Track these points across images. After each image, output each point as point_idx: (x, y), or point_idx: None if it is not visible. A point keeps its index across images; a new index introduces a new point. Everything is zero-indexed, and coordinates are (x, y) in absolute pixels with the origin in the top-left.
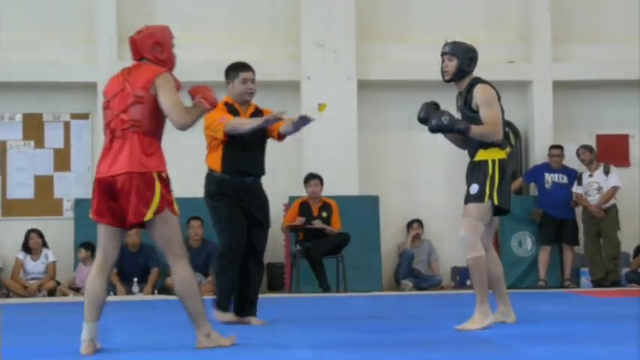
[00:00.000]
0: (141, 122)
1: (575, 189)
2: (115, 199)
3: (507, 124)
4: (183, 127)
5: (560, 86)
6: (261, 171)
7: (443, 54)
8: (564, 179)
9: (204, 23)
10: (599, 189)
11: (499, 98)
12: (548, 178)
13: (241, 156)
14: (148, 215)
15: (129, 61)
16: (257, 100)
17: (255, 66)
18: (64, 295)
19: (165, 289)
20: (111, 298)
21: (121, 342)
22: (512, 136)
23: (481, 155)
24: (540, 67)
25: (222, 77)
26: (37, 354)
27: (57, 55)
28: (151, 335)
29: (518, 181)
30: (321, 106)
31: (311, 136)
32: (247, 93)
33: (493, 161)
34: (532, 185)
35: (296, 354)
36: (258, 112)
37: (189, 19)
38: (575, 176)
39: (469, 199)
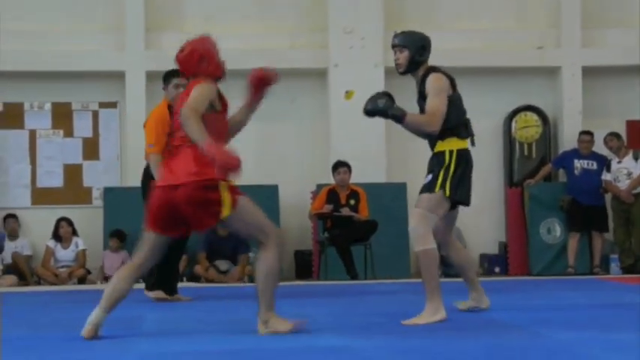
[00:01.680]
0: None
1: (605, 176)
2: (177, 210)
3: (535, 109)
4: (184, 125)
5: (589, 72)
6: None
7: (393, 46)
8: (594, 165)
9: (232, 12)
10: (629, 174)
11: (454, 87)
12: (578, 164)
13: None
14: (225, 213)
15: (157, 50)
16: (286, 88)
17: (283, 53)
18: (93, 283)
19: (194, 277)
20: (139, 285)
21: (150, 329)
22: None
23: (439, 146)
24: (570, 52)
25: (250, 65)
26: (71, 339)
27: (85, 44)
28: (179, 321)
29: (547, 168)
30: (348, 94)
31: (339, 124)
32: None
33: (451, 152)
34: (561, 172)
35: (324, 341)
36: None
37: (217, 8)
38: (604, 162)
39: (421, 189)
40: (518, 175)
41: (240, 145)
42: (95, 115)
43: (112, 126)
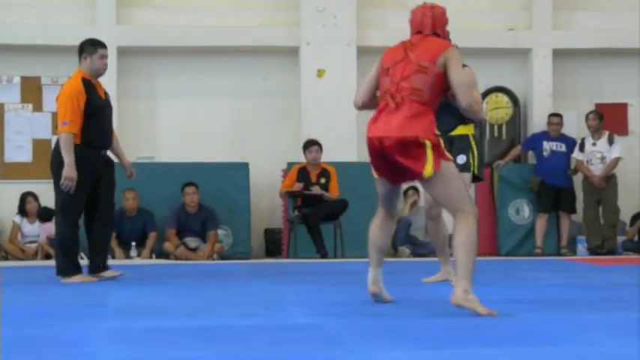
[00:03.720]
0: (421, 91)
1: (577, 155)
2: (386, 160)
3: (505, 91)
4: (467, 107)
5: (560, 54)
6: (110, 144)
7: None
8: (562, 147)
9: None
10: (602, 159)
11: None
12: (547, 146)
13: (97, 130)
14: (427, 172)
15: (128, 25)
16: (257, 65)
17: (255, 31)
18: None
19: (163, 254)
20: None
21: (116, 305)
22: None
23: (461, 130)
24: (541, 34)
25: (221, 43)
26: (37, 314)
27: (56, 17)
28: (146, 298)
29: (516, 150)
30: (319, 72)
31: (310, 103)
32: (103, 68)
33: (473, 135)
34: (530, 153)
35: (292, 319)
36: (106, 93)
37: None
38: (573, 145)
39: (460, 168)
40: (488, 157)
41: (211, 122)
42: None
43: None
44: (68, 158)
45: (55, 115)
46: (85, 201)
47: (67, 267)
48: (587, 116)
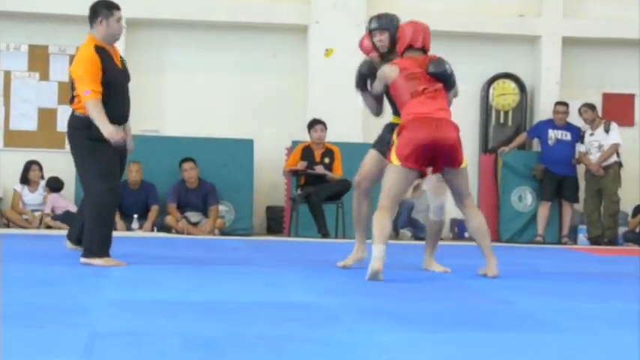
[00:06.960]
0: None
1: (579, 147)
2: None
3: (513, 77)
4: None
5: (569, 42)
6: (127, 118)
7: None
8: (568, 136)
9: None
10: (600, 147)
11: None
12: (552, 134)
13: (115, 103)
14: (465, 164)
15: None
16: (265, 42)
17: (264, 8)
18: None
19: (165, 227)
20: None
21: (117, 277)
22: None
23: (396, 119)
24: (550, 22)
25: (231, 18)
26: (38, 282)
27: None
28: (148, 271)
29: (521, 137)
30: (328, 52)
31: (317, 82)
32: (120, 32)
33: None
34: (535, 141)
35: (292, 298)
36: (123, 60)
37: None
38: (578, 134)
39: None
40: (492, 142)
41: (217, 97)
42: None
43: None
44: (102, 121)
45: (61, 85)
46: (118, 179)
47: (102, 245)
48: (579, 111)
